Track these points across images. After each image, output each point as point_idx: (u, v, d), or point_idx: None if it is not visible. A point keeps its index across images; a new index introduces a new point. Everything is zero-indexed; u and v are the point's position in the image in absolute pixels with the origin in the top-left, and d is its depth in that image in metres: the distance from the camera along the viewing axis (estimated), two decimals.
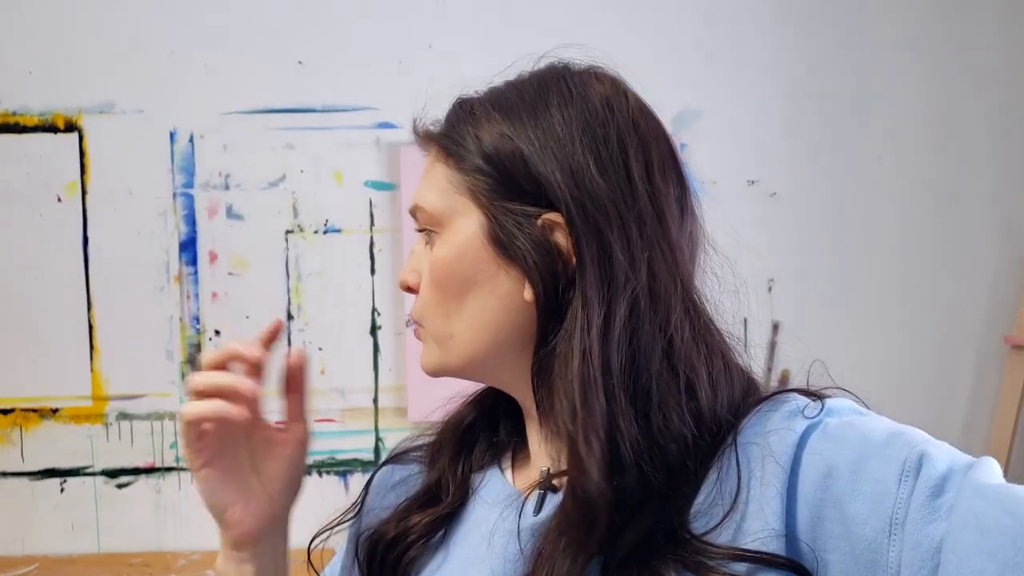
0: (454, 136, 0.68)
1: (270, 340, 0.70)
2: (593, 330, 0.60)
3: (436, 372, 0.70)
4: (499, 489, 0.71)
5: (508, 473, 0.73)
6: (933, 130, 2.01)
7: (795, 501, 0.57)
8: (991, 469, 0.54)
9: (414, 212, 0.70)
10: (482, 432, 0.75)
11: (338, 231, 1.92)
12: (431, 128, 0.71)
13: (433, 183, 0.68)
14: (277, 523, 0.73)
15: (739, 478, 0.59)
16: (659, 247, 0.64)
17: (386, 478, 0.80)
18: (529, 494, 0.67)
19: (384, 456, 1.88)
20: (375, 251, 1.92)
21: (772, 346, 1.95)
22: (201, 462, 0.69)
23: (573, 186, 0.63)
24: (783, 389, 0.64)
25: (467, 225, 0.66)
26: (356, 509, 0.80)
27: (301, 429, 0.73)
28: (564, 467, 0.64)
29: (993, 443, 1.91)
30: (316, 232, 1.91)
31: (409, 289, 0.71)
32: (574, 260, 0.63)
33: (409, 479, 0.77)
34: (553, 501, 0.65)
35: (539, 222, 0.63)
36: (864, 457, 0.55)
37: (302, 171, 1.91)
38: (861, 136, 1.99)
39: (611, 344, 0.61)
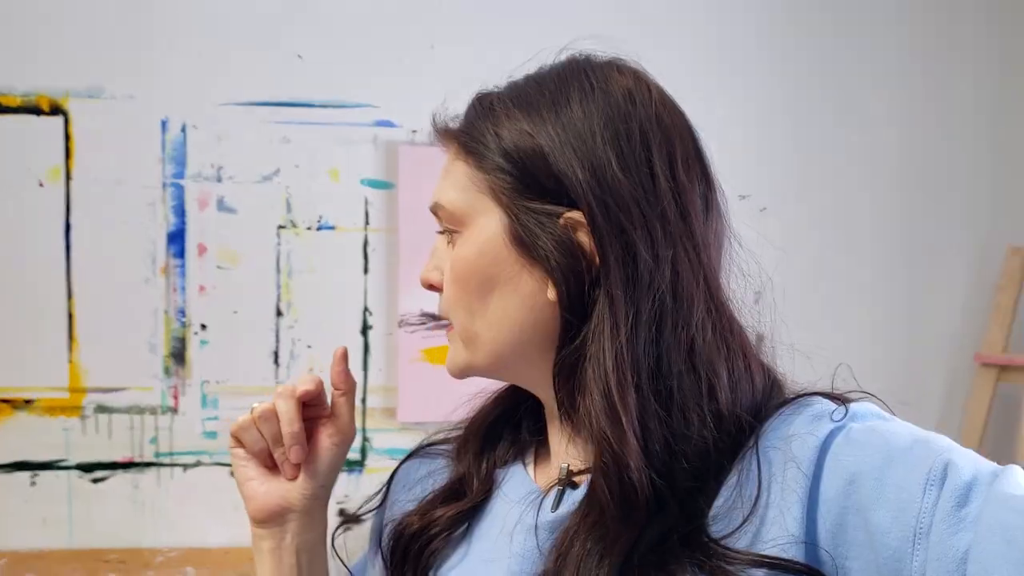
0: (473, 133, 0.66)
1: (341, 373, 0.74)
2: (622, 330, 0.60)
3: (463, 372, 0.70)
4: (521, 485, 0.71)
5: (531, 470, 0.72)
6: (913, 157, 2.08)
7: (816, 507, 0.56)
8: (1017, 479, 0.53)
9: (435, 210, 0.69)
10: (506, 429, 0.75)
11: (332, 228, 1.90)
12: (450, 125, 0.70)
13: (453, 181, 0.67)
14: (296, 509, 0.73)
15: (759, 482, 0.58)
16: (683, 245, 0.62)
17: (412, 471, 0.79)
18: (549, 491, 0.67)
19: (364, 453, 1.87)
20: (369, 250, 1.91)
21: None
22: (234, 443, 0.74)
23: (595, 184, 0.61)
24: (807, 392, 0.64)
25: (488, 224, 0.65)
26: (379, 500, 0.80)
27: (342, 426, 0.74)
28: (584, 465, 0.65)
29: None
30: (309, 228, 1.89)
31: (431, 287, 0.70)
32: (598, 260, 0.62)
33: (435, 473, 0.77)
34: (572, 498, 0.65)
35: (561, 221, 0.62)
36: (888, 464, 0.54)
37: (297, 166, 1.88)
38: (844, 157, 2.05)
39: (639, 345, 0.60)
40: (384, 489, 0.81)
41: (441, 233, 0.69)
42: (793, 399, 0.63)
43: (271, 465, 0.74)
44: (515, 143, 0.64)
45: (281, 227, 1.88)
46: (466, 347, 0.68)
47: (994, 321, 2.07)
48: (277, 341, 1.89)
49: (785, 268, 2.02)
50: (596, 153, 0.62)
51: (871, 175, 2.06)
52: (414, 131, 1.89)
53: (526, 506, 0.67)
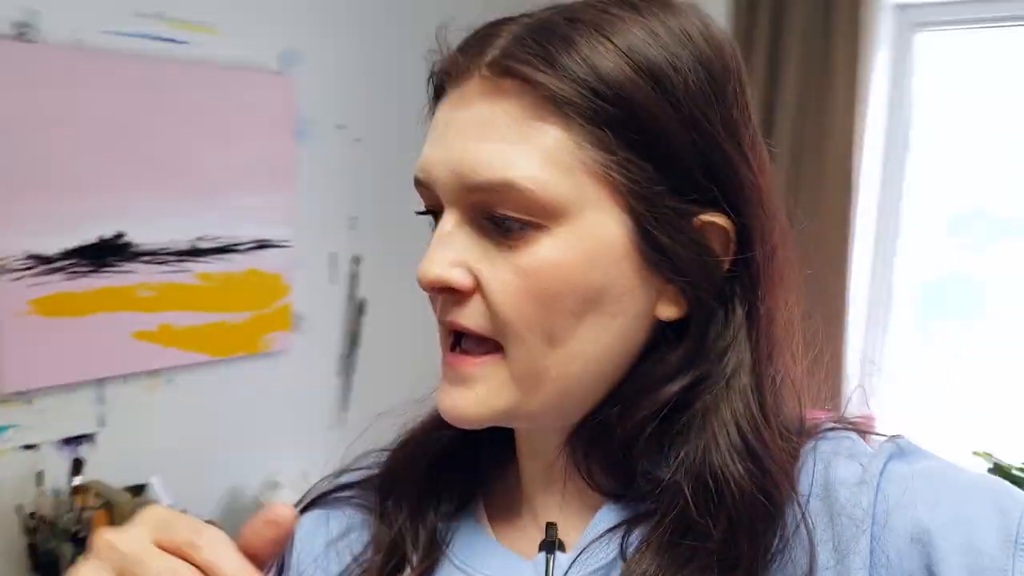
0: (576, 84, 0.46)
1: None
2: (768, 361, 0.51)
3: (490, 421, 0.51)
4: (481, 548, 0.55)
5: (483, 520, 0.57)
6: None
7: (875, 568, 0.48)
8: None
9: (496, 188, 0.47)
10: (459, 466, 0.58)
11: None
12: (512, 62, 0.47)
13: (541, 153, 0.47)
14: None
15: (811, 547, 0.48)
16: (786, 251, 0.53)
17: (317, 532, 0.60)
18: (551, 564, 0.52)
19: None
20: None
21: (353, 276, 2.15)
22: None
23: (744, 172, 0.49)
24: (826, 424, 0.54)
25: (603, 224, 0.48)
26: (276, 572, 0.60)
27: None
28: (577, 523, 0.53)
29: None
30: None
31: (449, 289, 0.50)
32: (725, 270, 0.50)
33: (350, 533, 0.59)
34: (579, 570, 0.50)
35: (696, 223, 0.49)
36: (957, 520, 0.47)
37: None
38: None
39: (773, 378, 0.51)
40: (278, 560, 0.59)
41: (488, 220, 0.49)
42: (812, 431, 0.53)
43: None
44: (649, 108, 0.47)
45: None
46: (519, 387, 0.49)
47: None
48: None
49: (386, 197, 2.11)
50: (731, 125, 0.49)
51: None
52: None
53: None
